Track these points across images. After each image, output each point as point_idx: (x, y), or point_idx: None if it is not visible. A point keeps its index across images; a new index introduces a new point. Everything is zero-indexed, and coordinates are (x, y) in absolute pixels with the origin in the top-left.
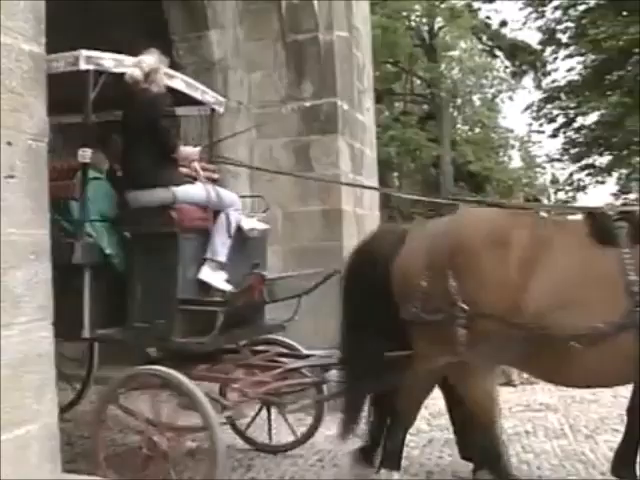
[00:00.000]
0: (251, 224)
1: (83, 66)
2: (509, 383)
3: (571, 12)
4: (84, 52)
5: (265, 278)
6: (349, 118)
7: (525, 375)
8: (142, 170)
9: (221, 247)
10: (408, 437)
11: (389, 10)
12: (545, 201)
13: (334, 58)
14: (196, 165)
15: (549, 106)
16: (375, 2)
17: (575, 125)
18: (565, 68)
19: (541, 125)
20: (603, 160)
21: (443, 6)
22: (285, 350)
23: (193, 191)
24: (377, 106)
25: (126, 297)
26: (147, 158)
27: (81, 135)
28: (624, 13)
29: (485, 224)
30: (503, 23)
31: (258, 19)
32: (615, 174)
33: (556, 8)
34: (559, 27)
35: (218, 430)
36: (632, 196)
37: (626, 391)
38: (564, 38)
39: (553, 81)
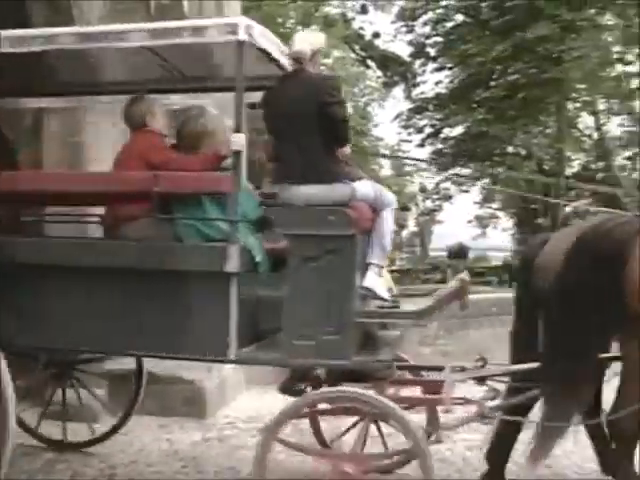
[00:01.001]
0: None
1: (242, 36)
2: None
3: (439, 28)
4: (244, 20)
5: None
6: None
7: None
8: (311, 162)
9: (383, 250)
10: (218, 444)
11: (263, 14)
12: (414, 209)
13: None
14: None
15: (417, 117)
16: (250, 6)
17: (442, 136)
18: (433, 81)
19: (410, 135)
20: (468, 170)
21: (317, 14)
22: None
23: (366, 188)
24: (247, 110)
25: (277, 311)
26: (316, 149)
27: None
28: (487, 32)
29: None
30: (376, 34)
31: (126, 19)
32: (478, 184)
33: (425, 23)
34: (428, 41)
35: (429, 454)
36: (495, 205)
37: None
38: (433, 52)
39: (422, 93)
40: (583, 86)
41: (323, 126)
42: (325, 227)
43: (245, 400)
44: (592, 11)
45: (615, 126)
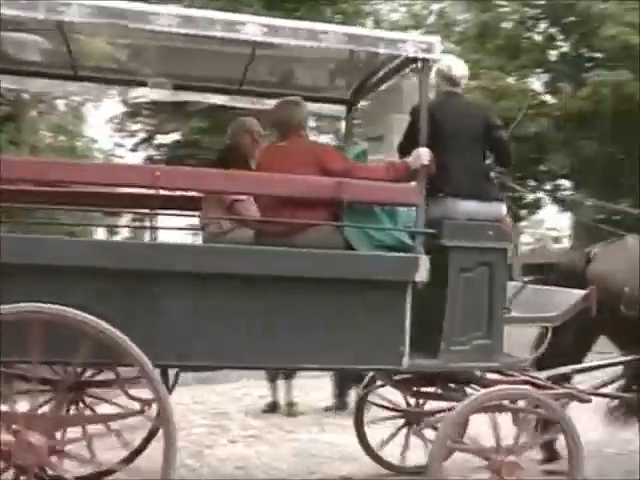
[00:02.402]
0: None
1: (437, 56)
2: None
3: None
4: (438, 40)
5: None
6: None
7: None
8: (478, 179)
9: None
10: None
11: None
12: None
13: None
14: None
15: (131, 121)
16: None
17: (155, 142)
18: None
19: (123, 138)
20: None
21: None
22: None
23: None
24: None
25: (438, 318)
26: (482, 167)
27: None
28: None
29: None
30: None
31: None
32: None
33: None
34: None
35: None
36: None
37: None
38: None
39: (137, 97)
40: None
41: (489, 147)
42: (484, 240)
43: None
44: None
45: None
